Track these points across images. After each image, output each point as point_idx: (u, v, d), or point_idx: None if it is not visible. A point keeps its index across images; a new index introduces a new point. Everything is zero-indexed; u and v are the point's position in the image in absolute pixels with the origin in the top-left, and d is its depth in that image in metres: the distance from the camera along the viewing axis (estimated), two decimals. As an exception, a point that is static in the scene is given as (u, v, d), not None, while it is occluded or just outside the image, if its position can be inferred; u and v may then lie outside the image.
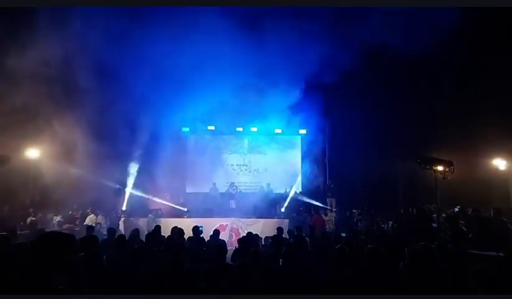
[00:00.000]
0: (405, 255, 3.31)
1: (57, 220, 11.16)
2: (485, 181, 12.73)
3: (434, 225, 7.95)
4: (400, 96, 14.78)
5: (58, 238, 1.97)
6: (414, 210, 10.17)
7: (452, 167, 7.15)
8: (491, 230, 6.62)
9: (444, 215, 8.63)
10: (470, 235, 6.24)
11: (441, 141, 12.07)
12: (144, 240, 6.50)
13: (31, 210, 11.55)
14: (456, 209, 9.30)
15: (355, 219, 12.92)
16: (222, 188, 15.71)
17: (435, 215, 8.40)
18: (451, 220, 6.57)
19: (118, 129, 13.03)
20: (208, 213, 13.09)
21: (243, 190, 16.15)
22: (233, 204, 14.61)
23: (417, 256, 3.16)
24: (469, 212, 8.69)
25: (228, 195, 15.02)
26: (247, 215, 12.99)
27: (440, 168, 7.16)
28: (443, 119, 13.06)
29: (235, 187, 15.52)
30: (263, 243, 7.95)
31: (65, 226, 10.68)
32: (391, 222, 11.07)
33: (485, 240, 6.03)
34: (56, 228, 9.98)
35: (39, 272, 1.82)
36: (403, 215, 11.56)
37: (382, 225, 11.22)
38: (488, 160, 13.01)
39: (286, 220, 12.15)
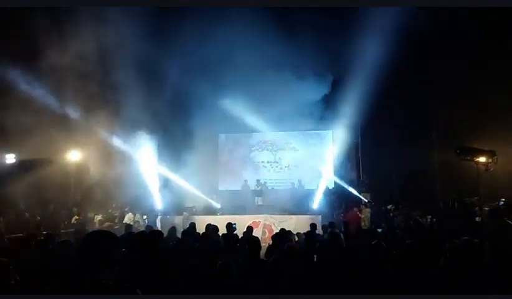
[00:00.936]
0: (446, 251, 3.17)
1: (98, 218, 11.67)
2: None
3: (477, 219, 7.56)
4: (436, 84, 14.16)
5: (104, 237, 2.05)
6: (455, 203, 9.70)
7: (495, 157, 6.74)
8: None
9: (487, 209, 8.18)
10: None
11: (482, 129, 11.39)
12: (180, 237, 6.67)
13: (74, 209, 12.15)
14: (501, 202, 8.79)
15: (391, 214, 12.54)
16: (253, 186, 15.80)
17: (477, 209, 7.98)
18: (496, 213, 6.21)
19: (152, 129, 13.51)
20: (240, 210, 13.21)
21: (274, 187, 16.13)
22: (259, 200, 14.56)
23: (459, 252, 3.01)
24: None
25: (255, 193, 15.01)
26: (278, 211, 13.00)
27: (482, 159, 6.77)
28: (484, 108, 12.33)
29: (261, 184, 15.49)
30: (296, 239, 7.92)
31: (105, 224, 11.16)
32: (430, 217, 10.63)
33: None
34: (97, 227, 10.45)
35: (88, 269, 1.90)
36: (444, 209, 11.08)
37: (420, 220, 10.80)
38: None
39: (320, 216, 12.01)
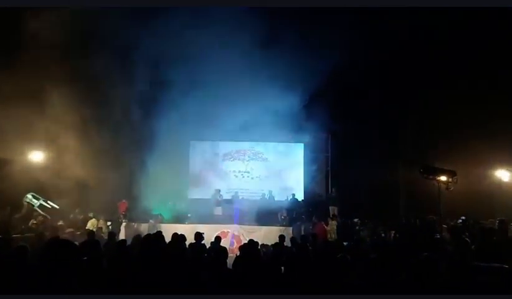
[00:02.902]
0: (409, 266, 3.29)
1: (59, 223, 11.14)
2: (488, 193, 12.63)
3: (437, 236, 7.88)
4: (403, 104, 14.82)
5: (63, 247, 2.08)
6: (417, 220, 10.09)
7: (455, 177, 7.08)
8: (495, 241, 6.55)
9: (446, 226, 8.57)
10: (473, 246, 6.18)
11: (443, 150, 12.00)
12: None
13: (35, 213, 11.53)
14: (460, 221, 9.23)
15: (357, 228, 12.84)
16: (225, 194, 15.67)
17: (438, 226, 8.34)
18: (455, 231, 6.52)
19: (122, 134, 13.13)
20: (209, 219, 13.06)
21: (244, 197, 16.10)
22: (218, 211, 14.37)
23: (421, 267, 3.14)
24: (472, 223, 8.63)
25: (215, 203, 14.81)
26: (248, 222, 12.97)
27: (443, 178, 7.09)
28: (445, 129, 13.02)
29: (220, 195, 15.32)
30: (264, 250, 7.92)
31: (67, 230, 10.67)
32: (393, 232, 10.98)
33: (489, 251, 5.97)
34: (58, 233, 9.96)
35: (47, 276, 1.91)
36: (406, 225, 11.48)
37: (383, 235, 11.13)
38: (492, 171, 12.91)
39: (290, 228, 12.09)
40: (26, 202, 11.02)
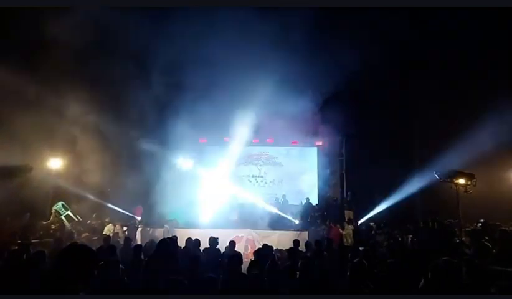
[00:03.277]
0: (427, 270, 3.20)
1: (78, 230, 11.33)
2: (508, 195, 12.27)
3: (456, 240, 7.70)
4: (419, 106, 14.58)
5: (80, 252, 2.11)
6: (435, 224, 9.87)
7: (474, 180, 6.93)
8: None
9: (466, 230, 8.36)
10: (494, 250, 6.00)
11: (462, 153, 11.73)
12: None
13: (56, 219, 11.76)
14: (479, 224, 8.99)
15: (373, 232, 12.64)
16: (239, 199, 15.66)
17: (457, 230, 8.14)
18: (475, 234, 6.35)
19: (139, 140, 13.30)
20: (224, 224, 13.06)
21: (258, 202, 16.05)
22: (235, 215, 14.39)
23: (440, 272, 3.06)
24: (492, 227, 8.38)
25: (232, 207, 14.83)
26: (262, 227, 12.91)
27: (462, 181, 6.94)
28: (463, 131, 12.74)
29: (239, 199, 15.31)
30: (278, 255, 7.87)
31: (83, 235, 10.83)
32: (411, 236, 10.76)
33: (510, 255, 5.78)
34: (75, 238, 10.13)
35: (64, 282, 1.94)
36: (423, 229, 11.23)
37: (399, 239, 10.92)
38: (511, 173, 12.57)
39: (305, 232, 11.98)
40: (54, 209, 11.28)
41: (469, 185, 6.89)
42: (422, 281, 3.69)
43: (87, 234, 11.20)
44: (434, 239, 8.42)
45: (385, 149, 14.76)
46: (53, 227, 11.22)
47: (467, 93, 12.22)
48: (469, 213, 10.00)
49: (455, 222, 8.77)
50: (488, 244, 6.03)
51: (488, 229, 8.26)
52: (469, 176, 6.95)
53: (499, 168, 12.16)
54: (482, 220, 9.09)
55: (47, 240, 9.49)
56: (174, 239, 7.24)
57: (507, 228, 7.95)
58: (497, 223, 8.88)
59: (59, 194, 12.33)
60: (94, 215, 12.81)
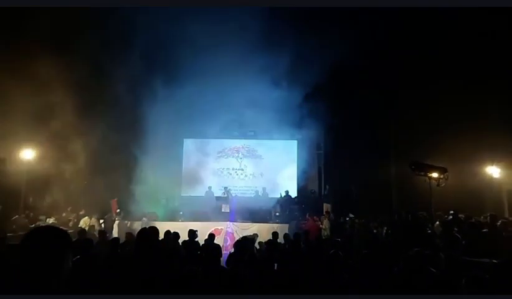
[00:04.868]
0: (400, 261, 3.33)
1: (50, 222, 11.05)
2: (479, 189, 12.80)
3: (428, 230, 7.98)
4: (394, 101, 14.93)
5: (51, 232, 1.71)
6: (409, 216, 10.19)
7: (446, 174, 7.17)
8: (485, 237, 6.65)
9: (438, 222, 8.68)
10: (464, 241, 6.27)
11: (435, 147, 12.12)
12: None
13: (27, 212, 11.44)
14: (450, 216, 9.35)
15: (349, 224, 12.91)
16: (218, 192, 15.66)
17: (428, 222, 8.44)
18: (446, 226, 6.60)
19: (115, 132, 13.02)
20: (203, 217, 13.03)
21: (238, 195, 16.09)
22: (226, 208, 14.43)
23: (412, 263, 3.18)
24: (463, 219, 8.74)
25: (222, 200, 14.87)
26: (242, 219, 12.98)
27: (434, 175, 7.18)
28: (436, 125, 13.16)
29: (228, 191, 15.36)
30: (257, 247, 7.96)
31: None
32: (385, 228, 11.07)
33: (479, 247, 6.06)
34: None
35: (30, 273, 1.59)
36: (398, 221, 11.56)
37: (375, 231, 11.21)
38: (482, 168, 13.09)
39: (285, 225, 12.11)
40: None
41: (441, 179, 7.12)
42: (395, 270, 3.83)
43: (62, 228, 10.95)
44: (407, 231, 8.70)
45: (364, 143, 15.07)
46: (25, 220, 10.92)
47: (446, 90, 12.58)
48: (442, 206, 10.39)
49: (427, 215, 9.07)
50: (458, 235, 6.30)
51: (458, 221, 8.62)
52: (441, 170, 7.19)
53: (471, 163, 12.64)
54: (452, 212, 9.46)
55: (21, 233, 9.22)
56: (154, 228, 7.19)
57: (476, 220, 8.32)
58: (467, 214, 9.27)
59: (32, 186, 11.98)
60: (69, 209, 12.52)
